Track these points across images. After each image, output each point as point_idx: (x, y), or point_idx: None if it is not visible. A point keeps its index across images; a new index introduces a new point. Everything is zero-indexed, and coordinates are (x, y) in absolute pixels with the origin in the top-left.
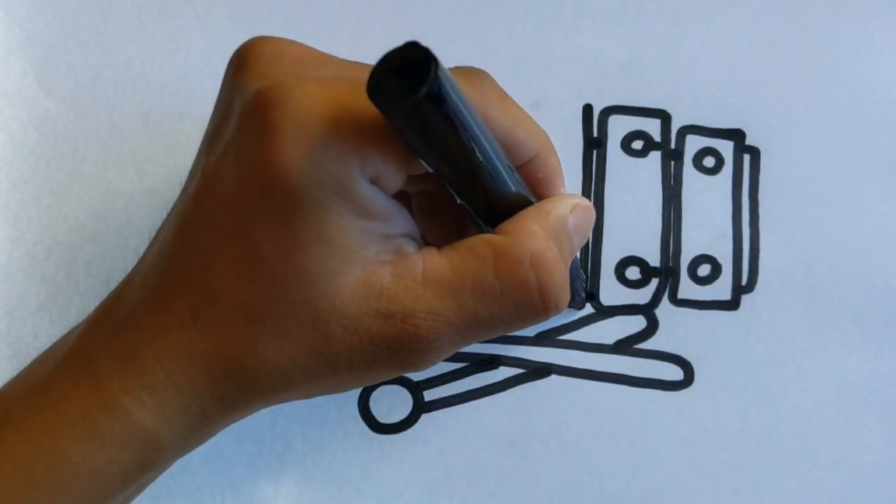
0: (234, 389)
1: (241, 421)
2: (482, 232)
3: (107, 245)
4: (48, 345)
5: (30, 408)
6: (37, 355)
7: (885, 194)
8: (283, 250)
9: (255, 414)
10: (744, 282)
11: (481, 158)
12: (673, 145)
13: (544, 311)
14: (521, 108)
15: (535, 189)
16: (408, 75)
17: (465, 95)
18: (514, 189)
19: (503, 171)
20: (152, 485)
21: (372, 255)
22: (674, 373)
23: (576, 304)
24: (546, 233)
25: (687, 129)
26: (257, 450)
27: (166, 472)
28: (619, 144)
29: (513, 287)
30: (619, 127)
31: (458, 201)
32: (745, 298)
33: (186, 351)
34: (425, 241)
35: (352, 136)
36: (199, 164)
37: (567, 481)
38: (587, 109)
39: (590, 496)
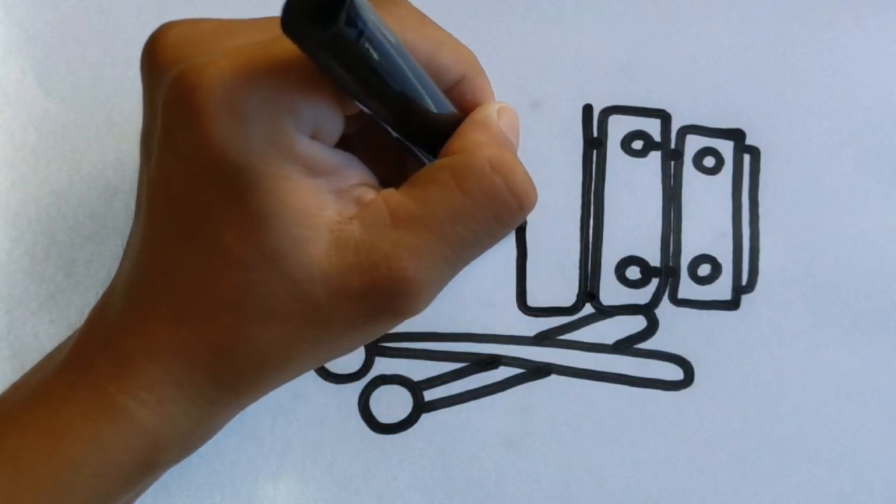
0: (235, 375)
1: (242, 421)
2: (423, 164)
3: (107, 245)
4: (48, 345)
5: (30, 412)
6: (36, 355)
7: (886, 194)
8: (245, 233)
9: (255, 414)
10: (744, 282)
11: (412, 84)
12: (673, 145)
13: (521, 209)
14: (442, 30)
15: (465, 109)
16: (322, 14)
17: (384, 22)
18: (446, 111)
19: (434, 96)
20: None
21: (334, 213)
22: (674, 373)
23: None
24: (492, 139)
25: (687, 129)
26: (257, 450)
27: (167, 472)
28: (619, 144)
29: (484, 198)
30: (619, 127)
31: (394, 135)
32: (745, 298)
33: (178, 350)
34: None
35: (276, 96)
36: (143, 170)
37: (567, 481)
38: (587, 109)
39: (590, 496)
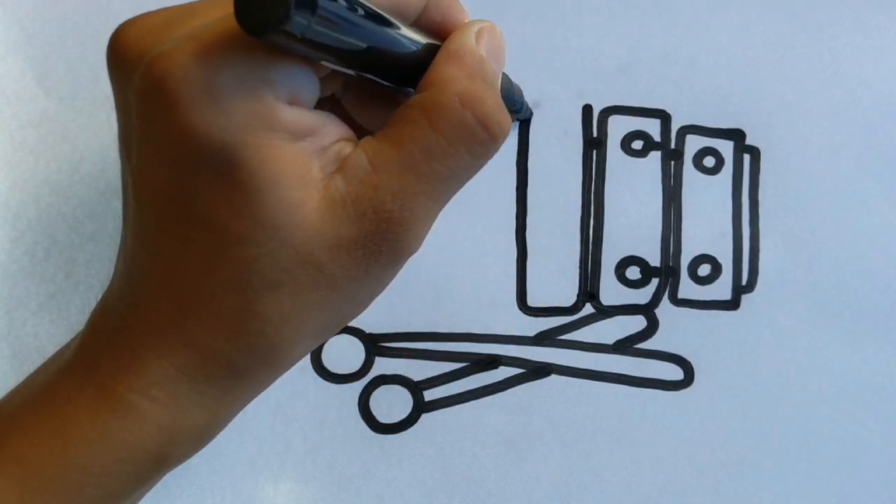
0: (250, 359)
1: (242, 421)
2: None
3: (107, 245)
4: (48, 345)
5: (36, 413)
6: (36, 355)
7: (885, 194)
8: (240, 208)
9: (256, 414)
10: (744, 282)
11: (377, 36)
12: (673, 145)
13: (493, 140)
14: None
15: (441, 33)
16: (270, 4)
17: None
18: (418, 46)
19: (402, 39)
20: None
21: (318, 171)
22: (674, 373)
23: (523, 113)
24: (463, 71)
25: (687, 129)
26: (257, 450)
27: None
28: (619, 144)
29: (455, 134)
30: (619, 127)
31: (373, 81)
32: (745, 298)
33: (187, 343)
34: (364, 133)
35: (249, 70)
36: (125, 170)
37: (567, 481)
38: (587, 109)
39: (590, 496)
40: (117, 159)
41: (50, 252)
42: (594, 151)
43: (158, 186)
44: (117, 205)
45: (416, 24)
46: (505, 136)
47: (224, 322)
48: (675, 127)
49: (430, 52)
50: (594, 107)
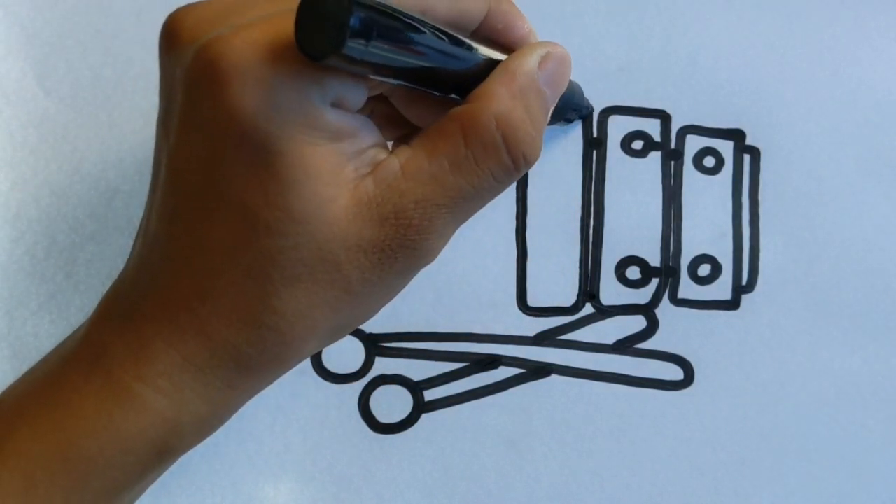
0: (261, 352)
1: (241, 421)
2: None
3: (107, 245)
4: (48, 345)
5: (41, 405)
6: (36, 355)
7: (885, 194)
8: (274, 197)
9: (255, 414)
10: (744, 282)
11: (436, 54)
12: (673, 145)
13: (515, 168)
14: None
15: (501, 40)
16: (329, 28)
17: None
18: (475, 61)
19: (459, 53)
20: (152, 484)
21: (351, 172)
22: (674, 373)
23: (583, 112)
24: (510, 92)
25: (687, 129)
26: (257, 450)
27: (167, 472)
28: (619, 144)
29: (483, 153)
30: (619, 127)
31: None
32: (745, 298)
33: (200, 331)
34: (411, 129)
35: (303, 68)
36: (162, 149)
37: (567, 481)
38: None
39: (590, 496)
40: (117, 159)
41: (50, 252)
42: (594, 151)
43: (194, 166)
44: (117, 205)
45: (478, 32)
46: (529, 166)
47: (239, 312)
48: (675, 127)
49: (490, 65)
50: (594, 107)
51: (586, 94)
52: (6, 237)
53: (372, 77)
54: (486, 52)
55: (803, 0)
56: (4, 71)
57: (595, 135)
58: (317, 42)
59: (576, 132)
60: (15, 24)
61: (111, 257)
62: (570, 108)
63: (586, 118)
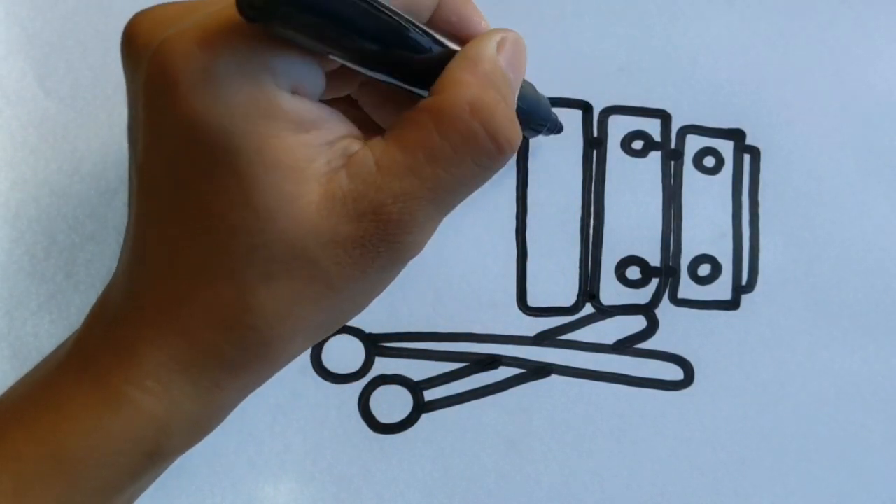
0: (243, 351)
1: (242, 421)
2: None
3: (107, 245)
4: (48, 345)
5: (33, 408)
6: (36, 355)
7: (885, 194)
8: (237, 197)
9: (255, 414)
10: (744, 282)
11: (389, 34)
12: (673, 145)
13: (500, 153)
14: None
15: (456, 33)
16: None
17: None
18: (431, 46)
19: (412, 34)
20: (152, 484)
21: (322, 165)
22: (674, 373)
23: (555, 129)
24: (477, 78)
25: (687, 129)
26: (257, 450)
27: (166, 472)
28: (619, 144)
29: (462, 142)
30: (619, 127)
31: (384, 81)
32: (745, 298)
33: (182, 333)
34: (380, 133)
35: (250, 56)
36: (132, 158)
37: (567, 481)
38: (587, 109)
39: (590, 496)
40: (117, 159)
41: (50, 252)
42: (594, 151)
43: (159, 174)
44: (117, 205)
45: (432, 24)
46: (513, 149)
47: (217, 314)
48: (675, 127)
49: (446, 56)
50: (594, 107)
51: (586, 94)
52: (6, 237)
53: (323, 54)
54: (439, 37)
55: (804, 0)
56: (5, 71)
57: (595, 134)
58: (256, 4)
59: (576, 132)
60: (15, 24)
61: (111, 257)
62: (538, 119)
63: (557, 132)
